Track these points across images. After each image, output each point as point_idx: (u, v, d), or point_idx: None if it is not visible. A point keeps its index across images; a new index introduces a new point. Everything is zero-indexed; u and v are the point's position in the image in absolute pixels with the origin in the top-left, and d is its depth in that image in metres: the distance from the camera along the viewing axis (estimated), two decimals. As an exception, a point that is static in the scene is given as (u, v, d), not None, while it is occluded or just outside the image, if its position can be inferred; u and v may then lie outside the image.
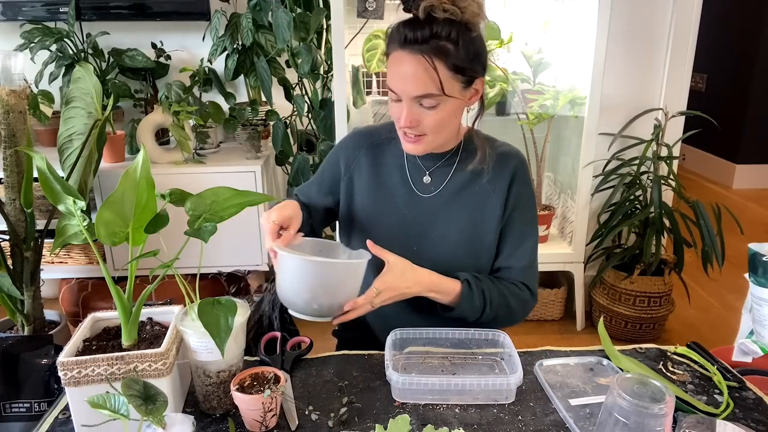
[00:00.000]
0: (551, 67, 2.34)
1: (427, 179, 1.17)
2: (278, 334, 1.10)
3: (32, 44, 2.25)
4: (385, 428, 0.82)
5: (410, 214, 1.17)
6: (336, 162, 1.23)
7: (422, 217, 1.17)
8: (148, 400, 0.73)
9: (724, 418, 0.90)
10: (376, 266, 1.09)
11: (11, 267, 1.74)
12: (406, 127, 1.04)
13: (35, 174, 1.12)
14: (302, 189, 1.33)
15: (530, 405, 0.94)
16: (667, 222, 2.26)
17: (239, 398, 0.85)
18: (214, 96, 2.48)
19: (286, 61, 2.34)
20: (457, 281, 1.11)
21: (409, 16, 1.01)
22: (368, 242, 1.07)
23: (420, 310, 1.16)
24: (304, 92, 2.32)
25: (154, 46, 2.45)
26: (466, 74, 1.01)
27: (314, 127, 2.35)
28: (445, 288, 1.10)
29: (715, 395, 0.96)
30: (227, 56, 2.30)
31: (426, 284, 1.09)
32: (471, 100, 1.07)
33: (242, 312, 0.89)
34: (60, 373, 0.80)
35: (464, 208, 1.16)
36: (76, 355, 0.83)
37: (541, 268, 1.28)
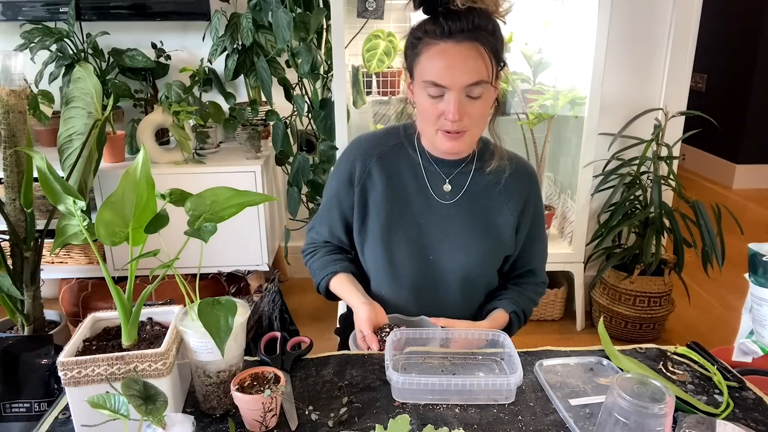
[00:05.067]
0: (551, 67, 2.34)
1: (447, 187, 1.17)
2: (278, 334, 1.10)
3: (32, 44, 2.24)
4: (385, 428, 0.82)
5: (426, 224, 1.17)
6: (348, 181, 1.19)
7: (437, 226, 1.17)
8: (148, 400, 0.73)
9: (724, 418, 0.90)
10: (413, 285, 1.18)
11: (11, 267, 1.74)
12: (455, 121, 1.02)
13: (35, 174, 1.12)
14: (324, 230, 1.26)
15: (530, 405, 0.94)
16: (667, 222, 2.26)
17: (239, 398, 0.85)
18: (214, 96, 2.48)
19: (286, 61, 2.34)
20: (502, 312, 1.18)
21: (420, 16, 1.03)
22: (431, 319, 1.12)
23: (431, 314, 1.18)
24: (304, 92, 2.32)
25: (154, 46, 2.45)
26: (499, 63, 1.04)
27: (314, 127, 2.35)
28: (499, 325, 1.18)
29: (715, 395, 0.96)
30: (227, 56, 2.30)
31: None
32: (494, 95, 1.09)
33: (242, 312, 0.89)
34: (60, 373, 0.80)
35: (479, 216, 1.17)
36: (76, 355, 0.83)
37: (542, 268, 1.31)
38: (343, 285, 1.19)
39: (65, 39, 2.29)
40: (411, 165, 1.17)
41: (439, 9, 0.99)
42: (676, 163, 2.33)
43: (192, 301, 0.87)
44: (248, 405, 0.85)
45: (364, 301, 1.13)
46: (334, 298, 1.25)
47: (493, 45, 1.01)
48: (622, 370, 1.00)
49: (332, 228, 1.24)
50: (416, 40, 1.03)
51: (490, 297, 1.25)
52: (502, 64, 1.05)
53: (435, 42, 1.00)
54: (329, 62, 2.25)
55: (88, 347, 0.87)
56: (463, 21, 0.98)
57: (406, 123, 1.22)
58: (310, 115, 2.34)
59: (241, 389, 0.87)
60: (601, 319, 1.13)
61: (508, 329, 1.20)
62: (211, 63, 2.37)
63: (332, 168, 1.27)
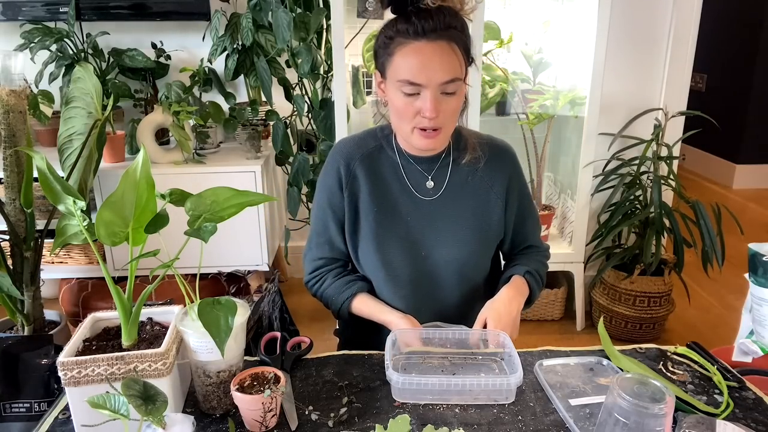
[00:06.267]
0: (551, 67, 2.34)
1: (430, 184, 1.17)
2: (278, 334, 1.10)
3: (32, 44, 2.24)
4: (385, 428, 0.82)
5: (413, 221, 1.17)
6: (338, 187, 1.18)
7: (426, 222, 1.17)
8: (148, 400, 0.73)
9: (724, 418, 0.90)
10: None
11: (11, 267, 1.74)
12: (432, 118, 1.03)
13: (35, 174, 1.12)
14: (324, 250, 1.23)
15: (530, 405, 0.94)
16: (667, 222, 2.26)
17: (239, 398, 0.85)
18: (214, 96, 2.48)
19: (286, 61, 2.34)
20: (518, 277, 1.20)
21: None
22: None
23: (433, 314, 1.18)
24: (304, 92, 2.32)
25: (154, 46, 2.45)
26: (469, 61, 1.06)
27: (314, 127, 2.35)
28: (522, 289, 1.19)
29: (715, 395, 0.96)
30: (227, 56, 2.30)
31: (518, 299, 1.16)
32: (464, 89, 1.10)
33: (242, 312, 0.89)
34: (60, 373, 0.80)
35: (466, 205, 1.18)
36: (76, 355, 0.83)
37: (541, 268, 1.30)
38: (367, 304, 1.19)
39: (65, 39, 2.29)
40: (392, 165, 1.18)
41: (409, 8, 1.00)
42: (676, 163, 2.33)
43: (192, 301, 0.87)
44: (248, 405, 0.85)
45: (400, 315, 1.14)
46: (357, 319, 1.23)
47: (464, 42, 1.03)
48: (622, 370, 1.00)
49: (332, 243, 1.22)
50: (388, 40, 1.04)
51: (490, 287, 1.25)
52: (471, 61, 1.08)
53: (408, 41, 1.01)
54: (329, 62, 2.25)
55: (88, 347, 0.87)
56: (435, 20, 0.99)
57: (383, 124, 1.22)
58: (310, 115, 2.34)
59: (241, 389, 0.87)
60: (601, 319, 1.13)
61: (530, 292, 1.20)
62: (211, 63, 2.37)
63: (317, 185, 1.24)
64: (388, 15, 1.06)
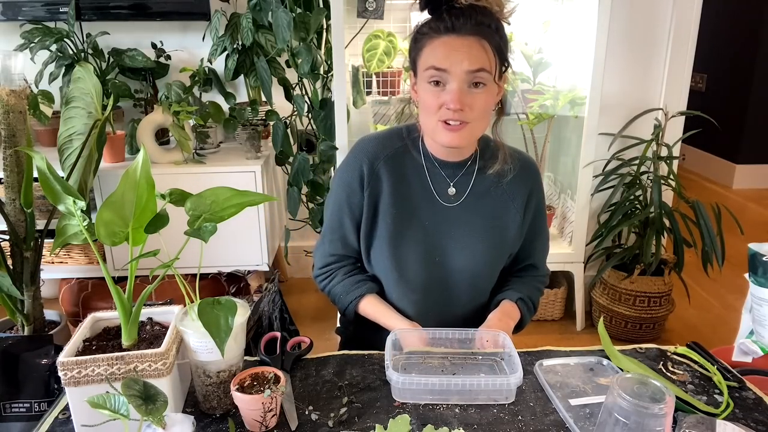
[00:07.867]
0: (551, 67, 2.34)
1: (452, 191, 1.16)
2: (278, 334, 1.10)
3: (32, 44, 2.24)
4: (385, 428, 0.82)
5: (432, 225, 1.16)
6: (359, 185, 1.16)
7: (444, 228, 1.16)
8: (148, 400, 0.73)
9: (724, 418, 0.90)
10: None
11: (11, 267, 1.74)
12: (456, 109, 1.02)
13: (35, 174, 1.12)
14: (336, 246, 1.22)
15: (530, 405, 0.94)
16: (667, 222, 2.26)
17: (239, 398, 0.85)
18: (214, 96, 2.48)
19: (286, 61, 2.34)
20: (510, 303, 1.20)
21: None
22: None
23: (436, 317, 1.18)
24: (304, 92, 2.32)
25: (154, 46, 2.45)
26: (503, 62, 1.04)
27: (314, 127, 2.35)
28: (513, 314, 1.19)
29: (715, 395, 0.96)
30: (227, 56, 2.30)
31: (506, 321, 1.17)
32: (498, 96, 1.09)
33: (242, 312, 0.89)
34: (60, 373, 0.80)
35: (485, 216, 1.17)
36: (76, 355, 0.83)
37: (541, 268, 1.30)
38: (375, 307, 1.19)
39: (65, 39, 2.29)
40: (415, 167, 1.16)
41: (443, 7, 1.01)
42: (676, 163, 2.33)
43: (192, 301, 0.87)
44: (248, 405, 0.85)
45: (407, 324, 1.14)
46: (360, 317, 1.23)
47: (497, 42, 1.02)
48: (622, 370, 1.00)
49: (346, 239, 1.21)
50: (420, 36, 1.05)
51: (494, 294, 1.25)
52: (506, 65, 1.06)
53: (438, 36, 1.02)
54: (329, 62, 2.25)
55: (88, 347, 0.87)
56: (467, 18, 0.99)
57: (409, 125, 1.21)
58: (310, 115, 2.34)
59: (241, 389, 0.87)
60: (601, 319, 1.13)
61: (520, 318, 1.20)
62: (211, 63, 2.37)
63: (333, 180, 1.22)
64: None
